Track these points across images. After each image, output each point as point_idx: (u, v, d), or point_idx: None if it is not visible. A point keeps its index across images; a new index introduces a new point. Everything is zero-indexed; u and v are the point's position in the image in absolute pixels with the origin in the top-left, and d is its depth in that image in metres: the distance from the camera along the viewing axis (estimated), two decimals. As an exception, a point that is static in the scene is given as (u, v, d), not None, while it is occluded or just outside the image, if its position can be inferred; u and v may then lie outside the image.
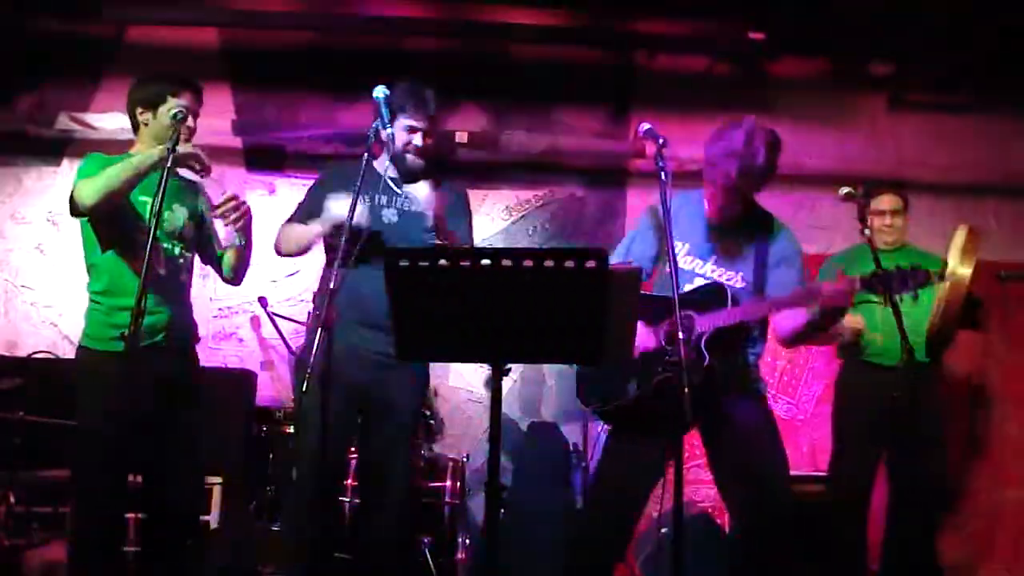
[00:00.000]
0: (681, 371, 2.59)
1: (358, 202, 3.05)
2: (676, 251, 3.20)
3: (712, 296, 3.08)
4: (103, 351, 3.23)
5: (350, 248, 2.98)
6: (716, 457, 3.18)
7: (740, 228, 3.21)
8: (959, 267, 3.54)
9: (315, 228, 3.33)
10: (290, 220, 3.51)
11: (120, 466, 3.20)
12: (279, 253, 3.50)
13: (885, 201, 4.38)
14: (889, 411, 3.90)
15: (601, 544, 3.24)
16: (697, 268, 3.20)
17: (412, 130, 3.38)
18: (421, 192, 3.31)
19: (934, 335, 3.81)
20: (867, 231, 3.33)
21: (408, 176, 3.41)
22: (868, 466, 4.16)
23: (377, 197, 3.37)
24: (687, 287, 3.15)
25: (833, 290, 2.91)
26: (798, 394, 5.49)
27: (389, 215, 3.39)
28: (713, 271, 3.19)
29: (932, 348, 3.92)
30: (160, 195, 2.93)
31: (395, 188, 3.41)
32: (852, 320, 4.10)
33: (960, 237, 3.57)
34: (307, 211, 3.45)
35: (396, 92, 3.29)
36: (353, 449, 3.95)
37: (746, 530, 3.13)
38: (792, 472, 4.97)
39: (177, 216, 3.40)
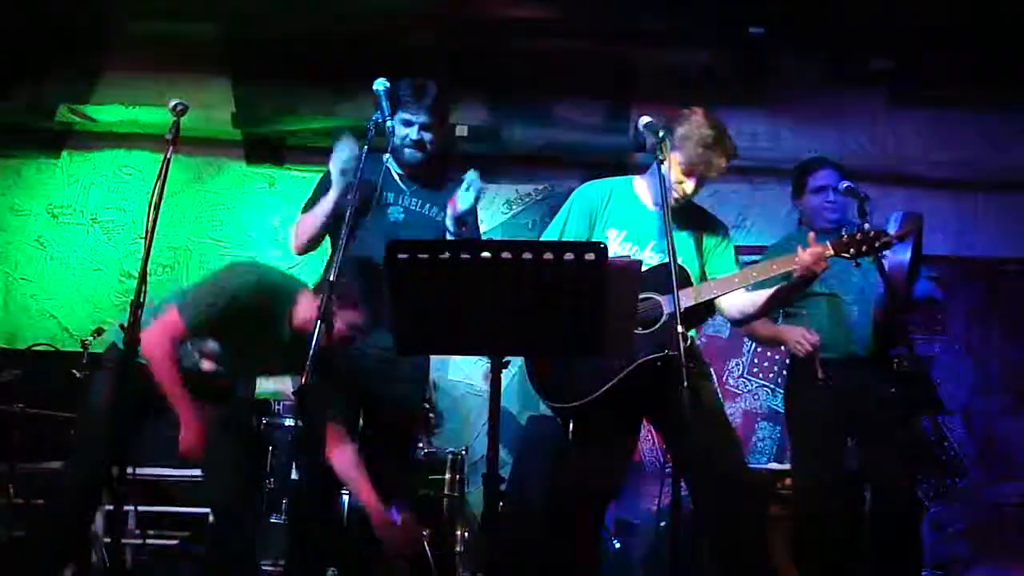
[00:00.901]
0: (682, 367, 2.60)
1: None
2: (612, 238, 3.24)
3: (670, 276, 3.04)
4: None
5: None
6: (674, 439, 3.17)
7: (675, 216, 3.23)
8: (893, 254, 3.43)
9: (328, 198, 3.25)
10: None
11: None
12: (297, 251, 3.43)
13: (823, 176, 3.90)
14: (839, 408, 3.71)
15: (574, 550, 3.24)
16: (635, 254, 3.20)
17: (408, 123, 3.34)
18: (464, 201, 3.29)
19: (878, 326, 3.65)
20: (867, 225, 3.34)
21: (408, 170, 3.40)
22: (831, 464, 3.77)
23: (384, 195, 3.34)
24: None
25: (809, 255, 2.94)
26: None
27: (395, 213, 3.37)
28: (651, 257, 3.20)
29: (878, 341, 3.70)
30: (160, 185, 2.93)
31: (401, 185, 3.39)
32: (806, 334, 3.65)
33: (893, 223, 3.51)
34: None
35: (398, 86, 3.28)
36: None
37: (709, 513, 3.13)
38: (789, 465, 4.97)
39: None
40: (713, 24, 5.24)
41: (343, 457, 3.14)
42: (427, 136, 3.38)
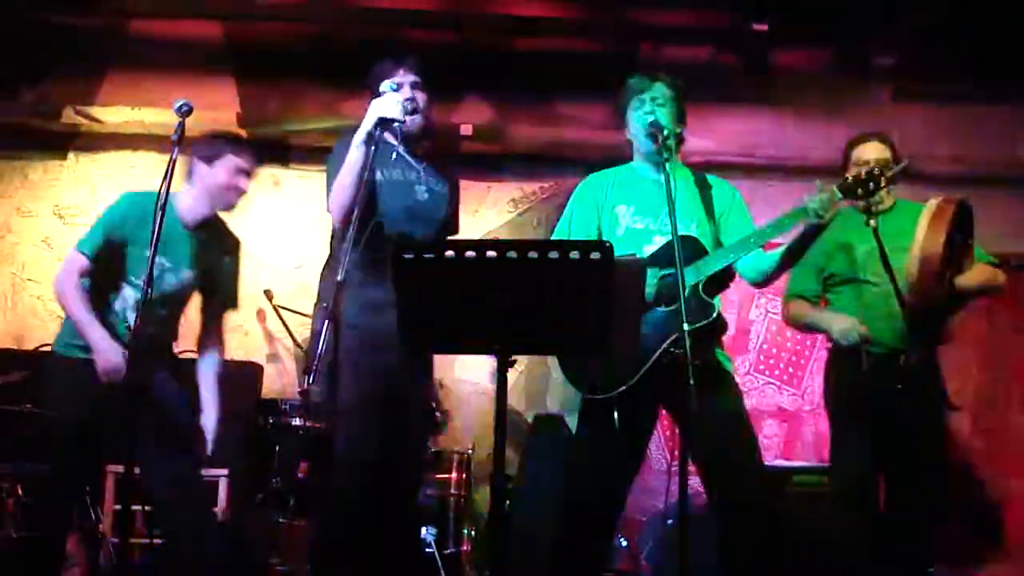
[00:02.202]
0: (687, 364, 2.60)
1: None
2: (622, 215, 3.24)
3: (686, 248, 3.00)
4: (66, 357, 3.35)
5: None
6: (688, 430, 3.15)
7: (681, 184, 3.22)
8: (925, 240, 3.37)
9: (356, 151, 3.09)
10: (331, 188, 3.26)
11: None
12: (340, 221, 3.17)
13: (870, 149, 3.74)
14: (879, 402, 3.58)
15: (589, 544, 3.24)
16: (650, 225, 3.20)
17: (398, 87, 3.20)
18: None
19: (913, 318, 3.48)
20: (872, 222, 3.32)
21: (410, 141, 3.26)
22: (867, 460, 3.67)
23: (407, 172, 3.27)
24: (647, 248, 3.16)
25: (817, 201, 2.93)
26: (803, 385, 5.49)
27: (421, 192, 3.29)
28: (667, 224, 3.18)
29: (914, 334, 3.56)
30: (166, 186, 2.94)
31: (416, 166, 3.32)
32: (856, 326, 3.59)
33: (929, 210, 3.42)
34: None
35: (377, 68, 3.28)
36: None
37: (723, 504, 3.12)
38: (796, 463, 4.96)
39: (176, 280, 3.37)
40: (717, 20, 5.25)
41: None
42: (420, 97, 3.28)
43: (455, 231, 3.50)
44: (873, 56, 5.56)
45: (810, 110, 5.55)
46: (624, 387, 3.08)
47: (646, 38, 5.54)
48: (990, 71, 5.40)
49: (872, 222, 3.28)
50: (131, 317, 3.27)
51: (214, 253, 3.49)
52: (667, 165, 2.97)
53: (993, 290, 3.81)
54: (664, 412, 3.35)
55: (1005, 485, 5.38)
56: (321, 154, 5.31)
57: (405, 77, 3.28)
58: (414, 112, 3.21)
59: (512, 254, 2.10)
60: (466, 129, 5.34)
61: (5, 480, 4.16)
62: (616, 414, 3.22)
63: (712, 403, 2.92)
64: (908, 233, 3.45)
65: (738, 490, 3.06)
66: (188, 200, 3.41)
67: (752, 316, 5.51)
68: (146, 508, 4.21)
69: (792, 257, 3.15)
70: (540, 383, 5.43)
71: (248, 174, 3.45)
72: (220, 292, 3.54)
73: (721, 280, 3.16)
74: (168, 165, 2.98)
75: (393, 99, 3.07)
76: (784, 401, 5.50)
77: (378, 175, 3.21)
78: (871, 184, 2.96)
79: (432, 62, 3.39)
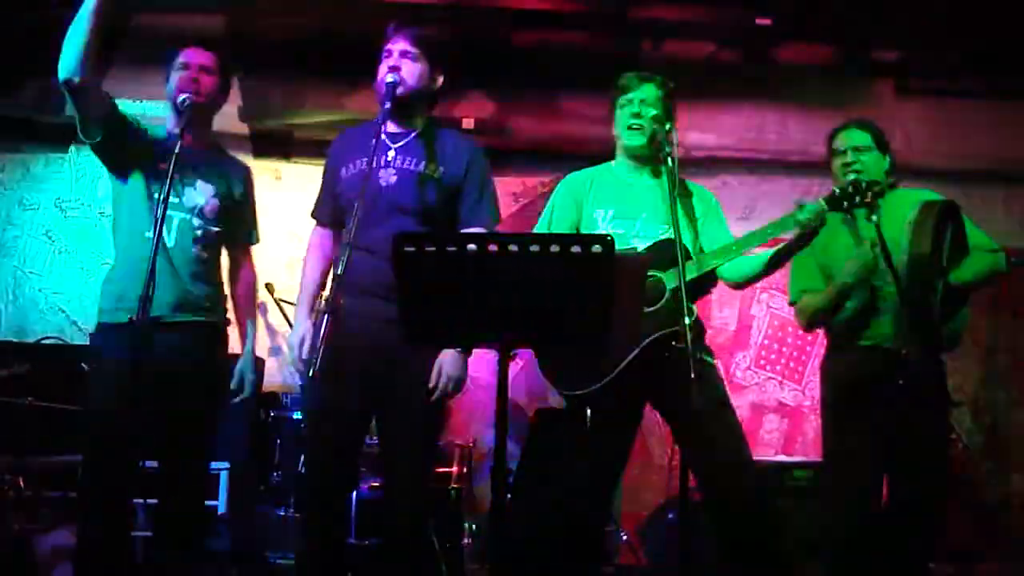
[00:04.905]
0: (691, 358, 2.61)
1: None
2: (600, 219, 3.23)
3: (667, 251, 3.02)
4: (111, 323, 3.18)
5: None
6: (679, 426, 3.16)
7: (659, 188, 3.24)
8: (914, 245, 3.32)
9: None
10: (316, 215, 3.32)
11: (126, 449, 3.09)
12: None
13: (842, 139, 3.60)
14: (887, 404, 3.43)
15: (578, 533, 3.25)
16: (628, 231, 3.19)
17: (388, 54, 3.21)
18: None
19: (914, 319, 3.36)
20: (874, 217, 3.31)
21: (403, 110, 3.17)
22: (866, 457, 3.53)
23: (376, 159, 3.10)
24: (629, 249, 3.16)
25: (806, 214, 2.95)
26: (804, 380, 5.49)
27: (387, 177, 3.14)
28: (644, 230, 3.18)
29: (916, 338, 3.41)
30: (168, 179, 2.93)
31: (389, 143, 3.17)
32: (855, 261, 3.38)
33: (912, 214, 3.36)
34: (328, 196, 3.28)
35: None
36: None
37: (717, 499, 3.12)
38: (797, 458, 4.96)
39: (199, 193, 3.29)
40: (719, 15, 5.24)
41: None
42: (406, 65, 3.18)
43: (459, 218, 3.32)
44: (875, 51, 5.55)
45: (813, 105, 5.55)
46: (596, 386, 3.08)
47: (648, 33, 5.54)
48: (992, 66, 5.40)
49: (874, 217, 3.26)
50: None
51: (221, 173, 3.41)
52: (667, 161, 2.97)
53: (996, 275, 3.67)
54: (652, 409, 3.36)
55: (1006, 481, 5.39)
56: (323, 147, 5.30)
57: (396, 44, 3.23)
58: (394, 82, 3.11)
59: (513, 247, 2.10)
60: (468, 123, 5.35)
61: (7, 473, 4.18)
62: (588, 411, 3.23)
63: (698, 400, 2.92)
64: (903, 230, 3.44)
65: (729, 485, 3.06)
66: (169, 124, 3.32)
67: (753, 311, 5.52)
68: (148, 502, 4.23)
69: (777, 263, 3.18)
70: (541, 376, 5.42)
71: (197, 67, 3.36)
72: (236, 223, 3.45)
73: (702, 285, 3.16)
74: (170, 159, 2.98)
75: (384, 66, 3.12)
76: (785, 396, 5.50)
77: (342, 171, 3.16)
78: (857, 197, 2.99)
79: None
